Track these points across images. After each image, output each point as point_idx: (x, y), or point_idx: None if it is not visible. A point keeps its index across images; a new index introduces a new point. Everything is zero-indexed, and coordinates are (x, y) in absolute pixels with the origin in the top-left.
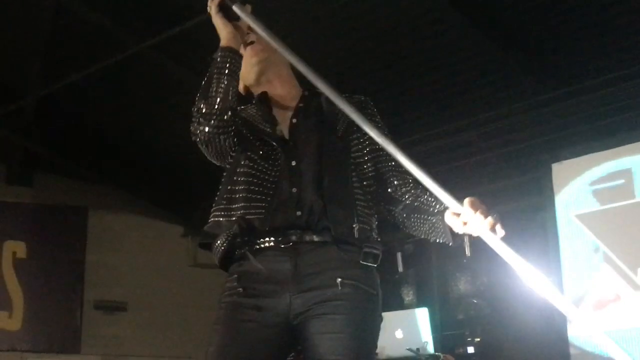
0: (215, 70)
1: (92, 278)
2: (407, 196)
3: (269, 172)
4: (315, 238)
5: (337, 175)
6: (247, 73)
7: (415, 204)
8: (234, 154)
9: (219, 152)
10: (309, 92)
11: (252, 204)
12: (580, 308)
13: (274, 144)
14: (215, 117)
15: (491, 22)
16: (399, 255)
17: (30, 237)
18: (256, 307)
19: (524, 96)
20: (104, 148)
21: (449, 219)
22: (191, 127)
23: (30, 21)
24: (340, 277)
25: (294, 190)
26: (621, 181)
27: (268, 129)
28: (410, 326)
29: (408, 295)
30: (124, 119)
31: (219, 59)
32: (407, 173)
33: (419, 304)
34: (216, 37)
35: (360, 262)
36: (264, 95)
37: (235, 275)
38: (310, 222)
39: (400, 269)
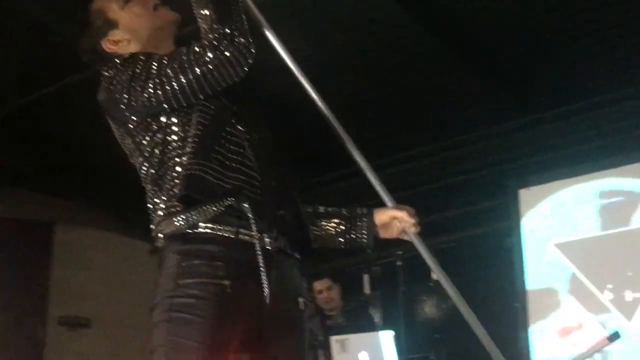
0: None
1: (58, 294)
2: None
3: (249, 151)
4: (288, 249)
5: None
6: (160, 30)
7: (320, 210)
8: (204, 104)
9: (227, 77)
10: None
11: (249, 180)
12: (546, 334)
13: (245, 127)
14: (248, 37)
15: (462, 47)
16: (365, 277)
17: None
18: (243, 312)
19: (492, 121)
20: (73, 162)
21: (380, 217)
22: (216, 42)
23: (1, 35)
24: (301, 297)
25: (274, 183)
26: (586, 208)
27: (227, 104)
28: (376, 349)
29: (374, 318)
30: (94, 133)
31: None
32: None
33: (385, 327)
34: None
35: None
36: None
37: (220, 263)
38: (287, 228)
39: (367, 291)
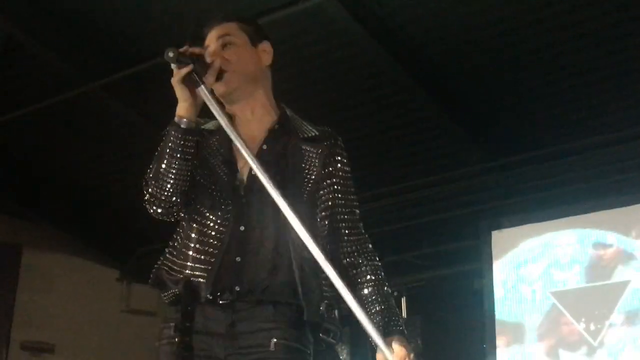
0: (167, 150)
1: (22, 318)
2: (361, 275)
3: (217, 230)
4: (254, 299)
5: (294, 245)
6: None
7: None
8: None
9: (169, 218)
10: (280, 125)
11: (196, 265)
12: None
13: (229, 201)
14: (165, 202)
15: (439, 89)
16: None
17: None
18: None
19: (467, 163)
20: (43, 186)
21: (378, 357)
22: (145, 197)
23: None
24: (275, 338)
25: (238, 259)
26: (559, 253)
27: (224, 177)
28: None
29: (341, 355)
30: (65, 157)
31: (172, 137)
32: (362, 241)
33: None
34: (168, 82)
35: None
36: (231, 121)
37: (172, 324)
38: (250, 295)
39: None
